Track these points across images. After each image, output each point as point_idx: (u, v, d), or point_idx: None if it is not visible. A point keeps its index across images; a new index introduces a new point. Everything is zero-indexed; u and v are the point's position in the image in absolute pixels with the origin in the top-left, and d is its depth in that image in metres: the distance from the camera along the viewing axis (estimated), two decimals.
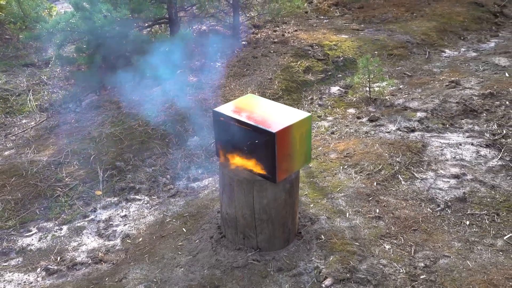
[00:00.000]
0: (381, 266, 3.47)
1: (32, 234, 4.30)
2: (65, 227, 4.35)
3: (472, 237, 3.75)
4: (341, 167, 4.72)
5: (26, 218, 4.46)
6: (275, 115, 3.44)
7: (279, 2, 8.42)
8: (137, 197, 4.73)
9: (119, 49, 6.61)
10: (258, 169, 3.43)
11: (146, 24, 7.43)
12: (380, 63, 6.31)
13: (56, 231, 4.31)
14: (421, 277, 3.37)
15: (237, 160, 3.52)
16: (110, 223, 4.38)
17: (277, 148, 3.26)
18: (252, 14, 9.04)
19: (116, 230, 4.27)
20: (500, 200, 4.15)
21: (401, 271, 3.43)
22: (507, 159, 4.73)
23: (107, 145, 5.41)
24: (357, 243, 3.68)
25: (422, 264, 3.48)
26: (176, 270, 3.56)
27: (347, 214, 4.03)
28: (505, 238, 3.71)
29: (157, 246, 3.90)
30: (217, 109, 3.56)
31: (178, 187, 4.84)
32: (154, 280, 3.49)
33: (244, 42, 8.21)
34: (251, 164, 3.46)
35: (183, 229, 4.07)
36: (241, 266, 3.51)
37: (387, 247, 3.67)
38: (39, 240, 4.23)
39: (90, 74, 7.20)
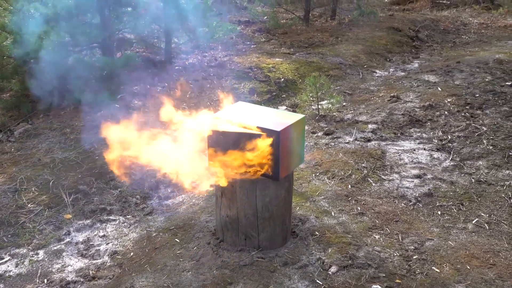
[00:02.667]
0: (376, 252, 4.15)
1: (6, 261, 4.45)
2: (41, 252, 4.55)
3: (446, 223, 4.58)
4: (313, 174, 5.41)
5: None
6: (274, 117, 4.06)
7: (211, 27, 9.15)
8: (111, 217, 5.04)
9: (55, 74, 6.89)
10: (260, 168, 3.98)
11: (77, 49, 7.76)
12: (327, 81, 7.19)
13: (33, 256, 4.50)
14: (414, 257, 4.10)
15: (235, 163, 4.01)
16: (91, 243, 4.66)
17: (280, 147, 3.86)
18: (182, 40, 9.67)
19: (99, 249, 4.56)
20: (461, 193, 5.06)
21: (395, 254, 4.14)
22: (457, 159, 5.72)
23: (64, 170, 5.66)
24: (349, 236, 4.35)
25: (412, 247, 4.22)
26: (184, 274, 3.97)
27: (333, 213, 4.70)
28: (473, 222, 4.59)
29: (154, 257, 4.27)
30: (216, 114, 4.11)
31: (152, 206, 5.22)
32: (165, 285, 3.87)
33: (178, 67, 8.79)
34: (252, 165, 3.99)
35: (176, 239, 4.48)
36: (248, 264, 4.01)
37: (377, 237, 4.37)
38: (16, 266, 4.39)
39: (18, 101, 7.35)
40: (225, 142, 3.94)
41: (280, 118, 4.05)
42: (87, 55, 7.92)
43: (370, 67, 9.28)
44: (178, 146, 4.06)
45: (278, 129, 3.82)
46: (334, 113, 7.17)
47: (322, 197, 4.96)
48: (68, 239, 4.72)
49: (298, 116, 4.08)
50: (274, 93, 7.87)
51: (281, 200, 4.11)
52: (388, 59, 9.88)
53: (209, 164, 4.07)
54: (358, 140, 6.19)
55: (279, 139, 3.82)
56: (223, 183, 4.00)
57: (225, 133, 3.92)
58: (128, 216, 5.04)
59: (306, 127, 6.83)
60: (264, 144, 3.82)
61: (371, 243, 4.28)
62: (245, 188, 4.00)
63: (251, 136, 3.85)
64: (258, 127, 3.86)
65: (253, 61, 8.97)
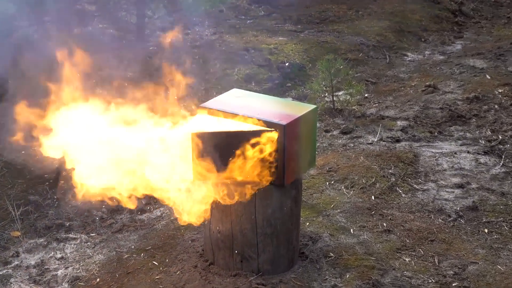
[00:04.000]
0: (406, 278, 4.35)
1: None
2: None
3: (495, 243, 4.78)
4: (327, 182, 5.61)
5: None
6: (278, 108, 4.26)
7: None
8: (71, 235, 5.22)
9: None
10: (258, 173, 4.16)
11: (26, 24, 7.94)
12: (344, 65, 7.40)
13: None
14: (453, 284, 4.30)
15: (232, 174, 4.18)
16: (45, 267, 4.83)
17: (286, 145, 4.05)
18: (158, 14, 9.88)
19: (56, 275, 4.74)
20: None
21: (430, 281, 4.33)
22: (510, 165, 5.93)
23: (9, 175, 5.83)
24: (373, 258, 4.54)
25: (451, 272, 4.41)
26: None
27: (351, 230, 4.90)
28: None
29: (127, 283, 4.45)
30: (204, 105, 4.30)
31: (122, 221, 5.40)
32: None
33: (152, 48, 8.98)
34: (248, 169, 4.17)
35: (154, 262, 4.66)
36: None
37: (407, 259, 4.57)
38: None
39: None
40: (217, 147, 4.05)
41: (286, 108, 4.24)
42: (36, 31, 8.10)
43: (399, 49, 9.52)
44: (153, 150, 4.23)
45: (284, 122, 4.01)
46: (353, 107, 7.37)
47: (338, 210, 5.15)
48: (16, 262, 4.89)
49: (308, 107, 4.27)
50: (277, 81, 8.08)
51: (287, 212, 4.29)
52: (422, 39, 10.13)
53: (195, 180, 4.18)
54: (384, 141, 6.40)
55: (284, 135, 4.01)
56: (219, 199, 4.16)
57: (216, 135, 4.08)
58: (92, 234, 5.22)
59: (318, 124, 7.03)
60: (266, 142, 4.00)
61: (400, 267, 4.47)
62: (241, 195, 4.18)
63: (252, 135, 4.01)
64: (259, 120, 4.04)
65: (249, 40, 9.16)
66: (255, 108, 4.24)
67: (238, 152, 4.01)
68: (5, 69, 7.17)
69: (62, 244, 5.12)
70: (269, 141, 4.01)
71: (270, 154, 4.05)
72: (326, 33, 9.81)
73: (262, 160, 4.06)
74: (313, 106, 4.31)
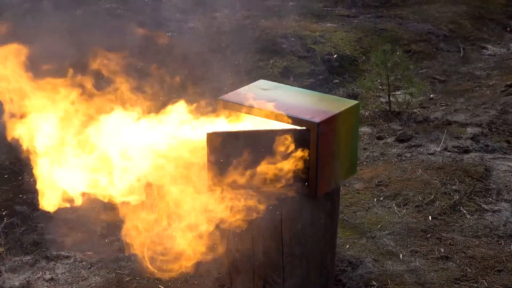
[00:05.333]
0: None
1: None
2: None
3: None
4: (375, 198, 5.85)
5: None
6: (312, 103, 4.52)
7: None
8: (63, 253, 5.53)
9: None
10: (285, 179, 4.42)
11: None
12: (404, 58, 7.63)
13: None
14: None
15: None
16: None
17: (320, 147, 4.29)
18: None
19: None
20: None
21: None
22: None
23: None
24: None
25: None
26: None
27: (401, 255, 5.12)
28: None
29: None
30: (222, 98, 4.58)
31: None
32: None
33: (171, 34, 9.32)
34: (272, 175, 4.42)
35: (160, 286, 4.95)
36: None
37: None
38: None
39: None
40: (237, 149, 4.26)
41: (321, 104, 4.49)
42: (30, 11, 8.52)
43: (477, 40, 9.70)
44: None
45: (317, 119, 4.25)
46: (414, 109, 7.59)
47: (386, 232, 5.38)
48: None
49: (348, 103, 4.53)
50: (321, 76, 8.34)
51: (320, 229, 4.53)
52: (508, 29, 10.28)
53: (209, 190, 4.42)
54: (449, 151, 6.61)
55: (318, 135, 4.25)
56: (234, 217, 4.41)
57: (236, 135, 4.33)
58: (88, 252, 5.51)
59: (370, 130, 7.27)
60: (296, 143, 4.24)
61: None
62: (265, 208, 4.42)
63: (279, 135, 4.26)
64: (287, 116, 4.29)
65: (290, 26, 9.43)
66: (284, 102, 4.48)
67: (261, 155, 4.25)
68: None
69: (52, 263, 5.41)
70: (299, 142, 4.24)
71: (300, 159, 4.28)
72: (386, 19, 10.03)
73: (290, 166, 4.29)
74: (354, 102, 4.55)
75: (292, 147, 4.24)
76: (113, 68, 4.66)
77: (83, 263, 5.42)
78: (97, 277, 5.22)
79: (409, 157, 6.53)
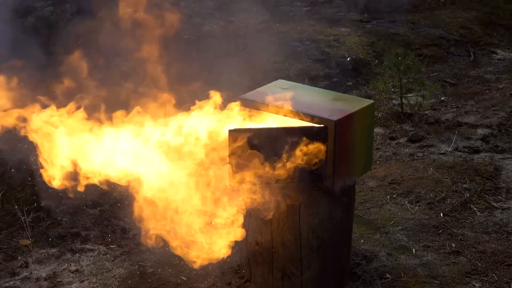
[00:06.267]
0: None
1: None
2: None
3: None
4: (388, 196, 5.96)
5: None
6: (329, 101, 4.63)
7: None
8: (87, 246, 5.66)
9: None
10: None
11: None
12: (416, 61, 7.74)
13: None
14: None
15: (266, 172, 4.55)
16: (58, 280, 5.27)
17: (337, 144, 4.40)
18: None
19: None
20: None
21: None
22: None
23: (18, 177, 6.31)
24: (437, 281, 4.87)
25: None
26: None
27: (414, 249, 5.24)
28: None
29: None
30: (243, 97, 4.69)
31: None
32: None
33: (188, 36, 9.45)
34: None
35: (182, 277, 5.07)
36: None
37: (477, 285, 4.89)
38: None
39: None
40: (257, 146, 4.37)
41: (338, 103, 4.61)
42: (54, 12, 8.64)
43: (487, 45, 9.81)
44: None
45: (335, 117, 4.37)
46: (426, 111, 7.70)
47: (399, 227, 5.49)
48: (25, 273, 5.33)
49: (364, 102, 4.65)
50: (335, 78, 8.46)
51: (337, 223, 4.65)
52: None
53: (230, 183, 4.52)
54: (459, 151, 6.72)
55: (336, 132, 4.37)
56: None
57: (256, 132, 4.43)
58: (112, 246, 5.64)
59: (382, 131, 7.39)
60: (314, 140, 4.35)
61: None
62: (284, 202, 4.54)
63: (298, 132, 4.37)
64: (305, 115, 4.40)
65: (305, 30, 9.56)
66: (303, 101, 4.60)
67: (281, 152, 4.36)
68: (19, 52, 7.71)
69: (77, 255, 5.54)
70: (317, 139, 4.35)
71: (318, 155, 4.40)
72: (398, 24, 10.15)
73: (309, 162, 4.41)
74: (370, 101, 4.67)
75: (310, 144, 4.34)
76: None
77: (107, 255, 5.54)
78: (120, 269, 5.34)
79: (421, 156, 6.64)
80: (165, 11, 9.59)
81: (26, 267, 5.41)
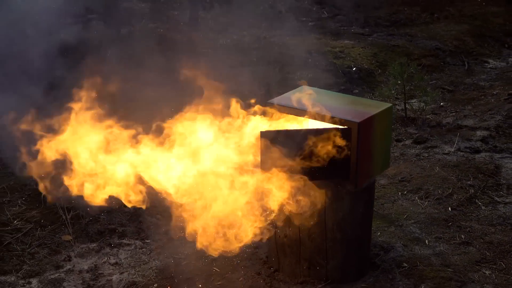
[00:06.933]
0: None
1: None
2: (34, 281, 5.18)
3: None
4: (399, 192, 5.97)
5: None
6: (351, 105, 4.64)
7: None
8: (124, 241, 5.66)
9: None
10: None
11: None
12: (418, 70, 7.76)
13: (24, 285, 5.14)
14: None
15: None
16: (99, 272, 5.27)
17: (360, 144, 4.41)
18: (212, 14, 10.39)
19: (111, 280, 5.17)
20: None
21: None
22: None
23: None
24: (450, 269, 4.87)
25: None
26: None
27: (427, 241, 5.25)
28: None
29: None
30: (272, 101, 4.70)
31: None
32: None
33: (206, 50, 9.47)
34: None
35: (215, 268, 5.07)
36: None
37: (487, 272, 4.89)
38: None
39: None
40: (286, 146, 4.39)
41: (359, 106, 4.62)
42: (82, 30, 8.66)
43: (479, 55, 9.84)
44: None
45: (358, 120, 4.38)
46: (427, 116, 7.71)
47: (412, 221, 5.50)
48: (69, 266, 5.34)
49: (383, 105, 4.65)
50: (343, 86, 8.48)
51: (358, 217, 4.66)
52: (506, 45, 10.43)
53: (262, 180, 4.53)
54: (461, 151, 6.73)
55: (359, 133, 4.38)
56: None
57: (285, 133, 4.46)
58: (147, 241, 5.64)
59: None
60: (338, 141, 4.37)
61: (480, 279, 4.80)
62: (310, 198, 4.55)
63: (323, 133, 4.39)
64: (332, 118, 4.42)
65: (312, 43, 9.58)
66: (326, 105, 4.61)
67: (308, 151, 4.38)
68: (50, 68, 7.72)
69: (115, 249, 5.54)
70: (341, 140, 4.37)
71: (342, 154, 4.41)
72: (397, 36, 10.18)
73: (333, 161, 4.42)
74: (388, 105, 4.68)
75: (335, 144, 4.37)
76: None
77: (143, 249, 5.54)
78: (156, 261, 5.34)
79: (427, 156, 6.65)
80: (185, 27, 9.65)
81: (69, 260, 5.42)
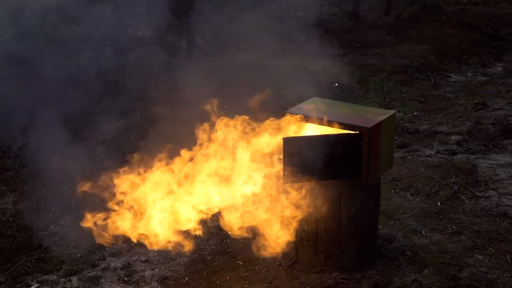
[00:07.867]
0: (482, 273, 4.69)
1: None
2: (74, 278, 5.10)
3: None
4: (392, 191, 5.98)
5: (18, 272, 5.15)
6: (359, 113, 4.66)
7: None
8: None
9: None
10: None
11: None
12: (397, 84, 7.83)
13: (66, 283, 5.05)
14: None
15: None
16: (132, 269, 5.20)
17: (370, 146, 4.43)
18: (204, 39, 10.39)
19: (144, 275, 5.11)
20: None
21: (506, 275, 4.67)
22: None
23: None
24: (448, 256, 4.89)
25: None
26: None
27: (423, 231, 5.27)
28: None
29: (216, 281, 4.82)
30: (289, 111, 4.70)
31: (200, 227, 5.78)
32: None
33: (203, 71, 9.44)
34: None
35: (238, 262, 5.03)
36: (332, 285, 4.55)
37: (480, 257, 4.92)
38: None
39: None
40: (307, 150, 4.37)
41: (367, 113, 4.64)
42: (97, 54, 8.59)
43: (442, 71, 9.96)
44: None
45: (369, 125, 4.40)
46: (405, 124, 7.76)
47: (408, 215, 5.52)
48: (104, 265, 5.26)
49: (388, 112, 4.67)
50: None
51: (368, 212, 4.67)
52: (463, 62, 10.57)
53: (285, 183, 4.53)
54: (441, 153, 6.78)
55: (370, 137, 4.39)
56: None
57: (306, 139, 4.45)
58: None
59: None
60: (352, 144, 4.39)
61: (475, 263, 4.82)
62: (327, 195, 4.55)
63: (340, 138, 4.39)
64: (344, 124, 4.42)
65: (296, 63, 9.61)
66: (338, 113, 4.64)
67: (326, 154, 4.38)
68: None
69: (144, 248, 5.47)
70: (354, 143, 4.39)
71: (355, 156, 4.43)
72: (369, 56, 10.27)
73: (347, 162, 4.44)
74: (392, 111, 4.71)
75: (349, 147, 4.39)
76: None
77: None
78: (183, 258, 5.29)
79: (411, 159, 6.69)
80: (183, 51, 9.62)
81: (104, 259, 5.36)
